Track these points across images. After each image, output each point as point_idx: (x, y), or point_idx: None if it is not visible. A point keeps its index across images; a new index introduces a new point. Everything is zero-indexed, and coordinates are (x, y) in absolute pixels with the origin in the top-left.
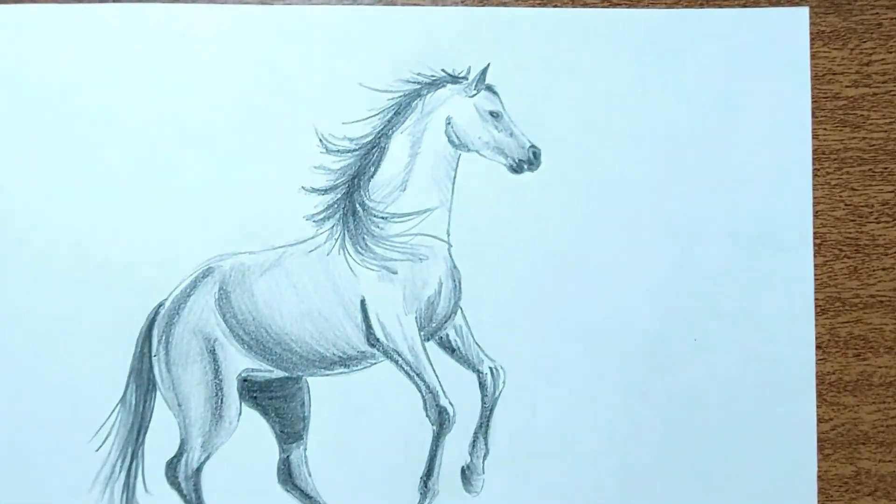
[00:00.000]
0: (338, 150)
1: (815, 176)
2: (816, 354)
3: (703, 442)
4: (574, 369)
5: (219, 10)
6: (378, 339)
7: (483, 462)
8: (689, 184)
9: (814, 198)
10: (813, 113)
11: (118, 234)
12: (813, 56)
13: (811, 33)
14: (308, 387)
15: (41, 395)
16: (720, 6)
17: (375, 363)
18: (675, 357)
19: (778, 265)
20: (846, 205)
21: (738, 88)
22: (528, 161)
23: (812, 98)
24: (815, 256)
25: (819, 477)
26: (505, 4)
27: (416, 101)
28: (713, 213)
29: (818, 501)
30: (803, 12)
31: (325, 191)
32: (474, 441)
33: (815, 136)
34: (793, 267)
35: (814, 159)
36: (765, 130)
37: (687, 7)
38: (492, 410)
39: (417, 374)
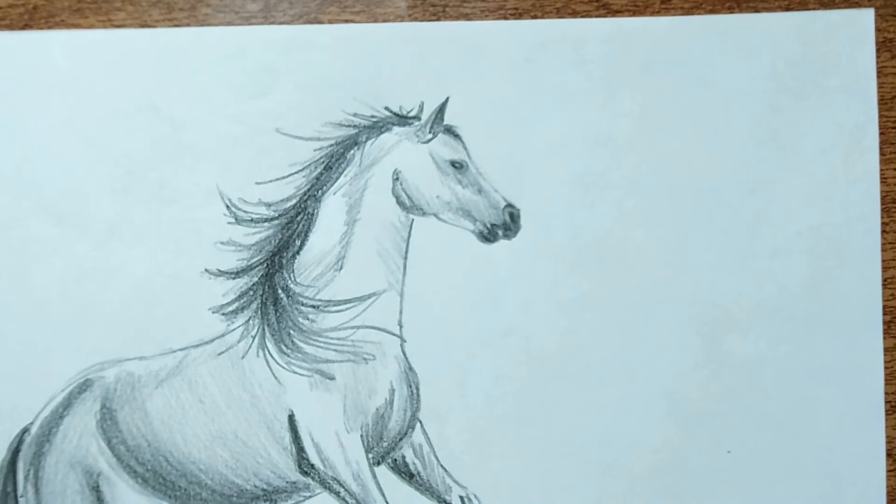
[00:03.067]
0: (251, 220)
1: (884, 232)
2: (887, 464)
3: None
4: (569, 497)
5: (82, 36)
6: (313, 465)
7: None
8: (716, 249)
9: (883, 261)
10: (880, 149)
11: None
12: (880, 72)
13: (877, 42)
14: None
15: None
16: (755, 10)
17: (310, 496)
18: (702, 475)
19: (836, 351)
20: None
21: (781, 119)
22: (502, 225)
23: (879, 129)
24: (884, 338)
25: None
26: (467, 17)
27: (352, 152)
28: (749, 288)
29: None
30: (866, 15)
31: (237, 273)
32: None
33: (883, 180)
34: (856, 353)
35: (882, 210)
36: (816, 175)
37: (711, 12)
38: None
39: None
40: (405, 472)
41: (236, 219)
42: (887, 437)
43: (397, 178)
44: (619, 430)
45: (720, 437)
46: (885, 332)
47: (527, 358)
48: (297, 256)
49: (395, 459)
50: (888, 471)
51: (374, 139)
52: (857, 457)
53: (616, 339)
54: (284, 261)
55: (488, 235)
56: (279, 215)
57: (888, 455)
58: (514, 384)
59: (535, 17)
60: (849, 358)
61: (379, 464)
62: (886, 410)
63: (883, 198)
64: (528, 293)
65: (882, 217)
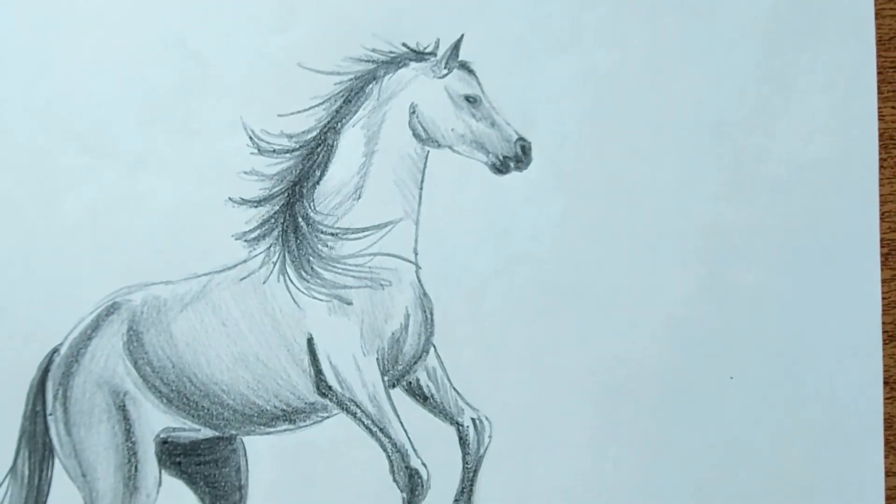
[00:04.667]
0: (273, 151)
1: (881, 168)
2: (884, 392)
3: None
4: (577, 419)
5: None
6: (330, 387)
7: None
8: (721, 183)
9: (880, 195)
10: (878, 88)
11: None
12: (878, 14)
13: None
14: (244, 448)
15: None
16: None
17: (328, 417)
18: (705, 401)
19: (835, 282)
20: None
21: (784, 58)
22: (514, 158)
23: (877, 68)
24: (881, 269)
25: None
26: None
27: (370, 86)
28: (752, 220)
29: None
30: None
31: (259, 202)
32: None
33: (881, 118)
34: (854, 284)
35: (880, 146)
36: (817, 111)
37: None
38: (475, 472)
39: (381, 429)
40: (419, 395)
41: (259, 150)
42: (884, 365)
43: (414, 112)
44: (625, 357)
45: (723, 364)
46: (883, 263)
47: (537, 285)
48: (317, 186)
49: (410, 382)
50: (885, 398)
51: (391, 74)
52: (855, 384)
53: (623, 268)
54: (305, 190)
55: (500, 167)
56: (300, 146)
57: (885, 383)
58: (524, 310)
59: None
60: (848, 289)
61: (394, 386)
62: (884, 340)
63: (881, 134)
64: (538, 223)
65: (880, 153)
